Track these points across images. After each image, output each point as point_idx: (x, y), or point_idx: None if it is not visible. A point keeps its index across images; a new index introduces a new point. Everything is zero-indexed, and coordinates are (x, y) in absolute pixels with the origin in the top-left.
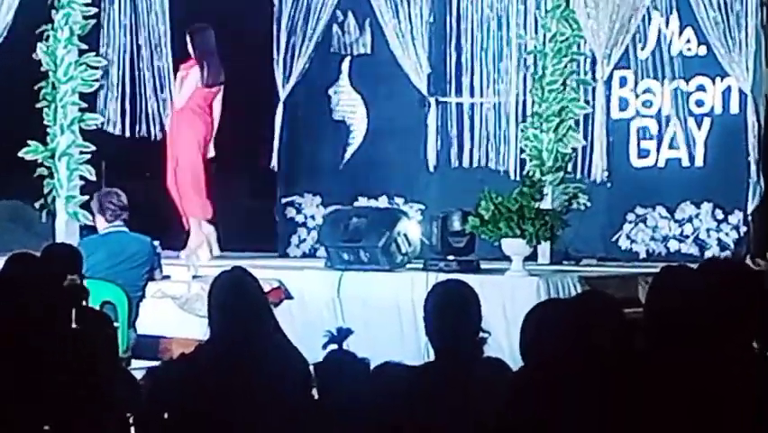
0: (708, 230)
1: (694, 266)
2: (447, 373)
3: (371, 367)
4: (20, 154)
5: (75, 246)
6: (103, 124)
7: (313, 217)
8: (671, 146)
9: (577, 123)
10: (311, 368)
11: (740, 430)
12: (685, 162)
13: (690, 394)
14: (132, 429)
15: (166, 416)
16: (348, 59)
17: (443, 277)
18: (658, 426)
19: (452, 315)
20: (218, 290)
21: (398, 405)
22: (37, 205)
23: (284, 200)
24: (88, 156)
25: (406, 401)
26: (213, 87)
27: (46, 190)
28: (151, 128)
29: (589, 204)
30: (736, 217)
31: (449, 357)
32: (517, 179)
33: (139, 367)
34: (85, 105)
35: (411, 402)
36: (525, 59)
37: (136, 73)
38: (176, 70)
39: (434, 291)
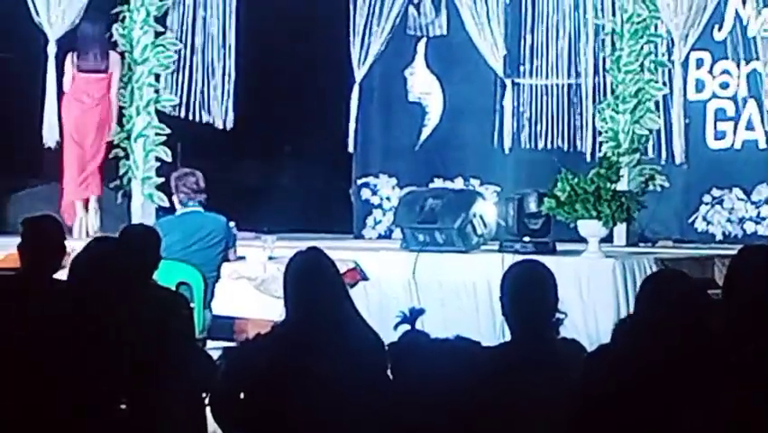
0: None
1: None
2: (523, 354)
3: (444, 344)
4: None
5: (152, 227)
6: (176, 106)
7: (388, 199)
8: (747, 128)
9: (654, 104)
10: (386, 348)
11: None
12: (762, 144)
13: None
14: (208, 409)
15: (242, 396)
16: (424, 40)
17: (518, 258)
18: (741, 410)
19: (529, 295)
20: (294, 271)
21: (474, 386)
22: (112, 186)
23: (360, 182)
24: (164, 137)
25: (482, 382)
26: (91, 74)
27: (122, 171)
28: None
29: (666, 185)
30: None
31: (525, 337)
32: (593, 160)
33: (214, 348)
34: (160, 86)
35: (487, 382)
36: (602, 41)
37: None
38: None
39: (511, 271)
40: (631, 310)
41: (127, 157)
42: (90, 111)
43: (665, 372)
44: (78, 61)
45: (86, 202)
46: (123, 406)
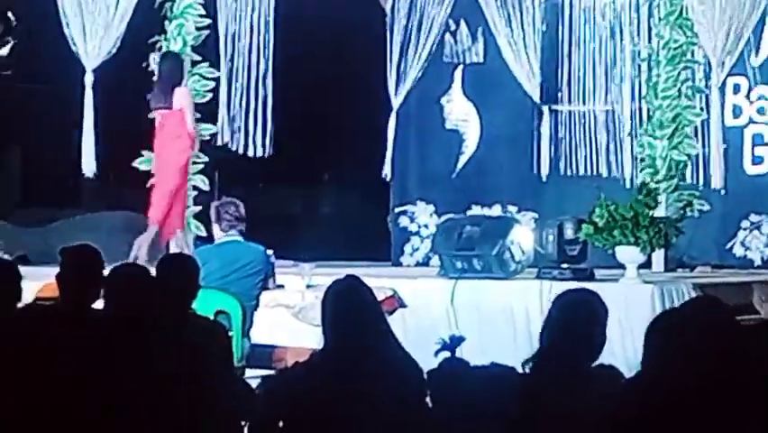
0: None
1: None
2: (559, 379)
3: (483, 371)
4: (134, 164)
5: (191, 256)
6: (214, 134)
7: (426, 226)
8: None
9: (691, 130)
10: (425, 376)
11: None
12: None
13: None
14: None
15: (281, 424)
16: (460, 67)
17: (557, 285)
18: None
19: (582, 324)
20: (332, 299)
21: (511, 412)
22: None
23: (397, 209)
24: (202, 165)
25: (519, 408)
26: (159, 110)
27: None
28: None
29: (704, 209)
30: None
31: (567, 365)
32: (632, 186)
33: (253, 376)
34: (199, 115)
35: (526, 410)
36: (639, 67)
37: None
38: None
39: (560, 299)
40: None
41: None
42: (166, 147)
43: (697, 397)
44: (150, 98)
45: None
46: None
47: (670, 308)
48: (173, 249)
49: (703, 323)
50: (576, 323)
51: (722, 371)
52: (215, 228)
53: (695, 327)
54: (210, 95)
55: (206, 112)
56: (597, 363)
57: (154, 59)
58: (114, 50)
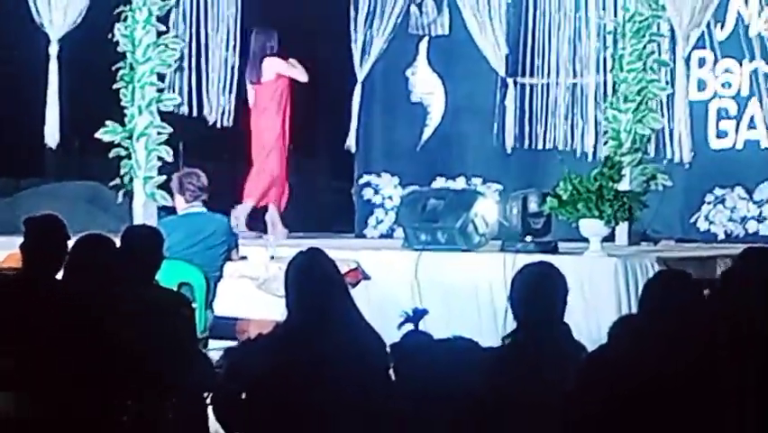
0: None
1: None
2: (526, 354)
3: (446, 344)
4: (97, 135)
5: (156, 227)
6: (179, 105)
7: (390, 198)
8: (749, 127)
9: (656, 103)
10: (388, 348)
11: None
12: (764, 143)
13: None
14: (210, 409)
15: (243, 396)
16: (426, 39)
17: (520, 258)
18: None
19: (539, 298)
20: (295, 271)
21: (475, 386)
22: (112, 184)
23: (361, 181)
24: (166, 137)
25: (484, 382)
26: (252, 84)
27: (123, 171)
28: (220, 115)
29: (668, 184)
30: None
31: (530, 338)
32: (596, 159)
33: (217, 348)
34: (163, 85)
35: (488, 383)
36: (605, 39)
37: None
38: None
39: (523, 273)
40: (633, 310)
41: (129, 157)
42: (259, 120)
43: (673, 382)
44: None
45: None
46: (129, 402)
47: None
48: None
49: (682, 305)
50: (535, 297)
51: (699, 358)
52: (178, 199)
53: (673, 309)
54: (175, 65)
55: (172, 82)
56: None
57: (118, 29)
58: (80, 20)
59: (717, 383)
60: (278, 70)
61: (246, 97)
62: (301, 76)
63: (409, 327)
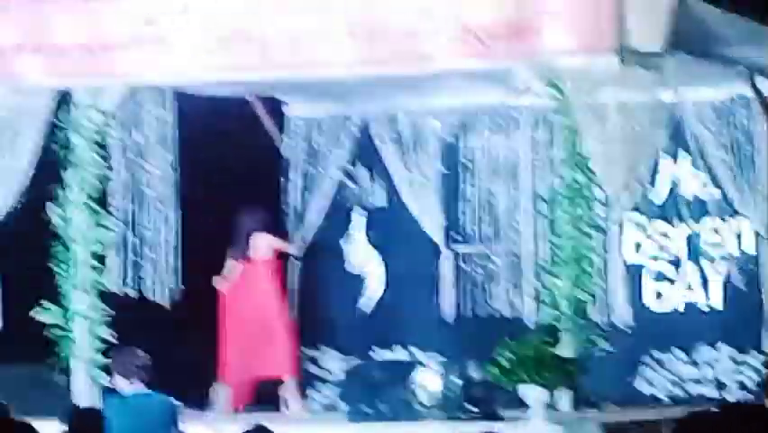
0: (726, 372)
1: (716, 410)
2: None
3: None
4: (32, 314)
5: (98, 410)
6: (119, 285)
7: (330, 371)
8: (686, 288)
9: (593, 268)
10: None
11: None
12: (701, 304)
13: None
14: None
15: None
16: (360, 210)
17: (465, 427)
18: None
19: None
20: None
21: None
22: (50, 363)
23: (301, 354)
24: (108, 318)
25: None
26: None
27: (61, 352)
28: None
29: (608, 348)
30: (754, 358)
31: None
32: (534, 326)
33: None
34: (101, 266)
35: None
36: (538, 207)
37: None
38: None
39: None
40: None
41: (67, 338)
42: (253, 298)
43: None
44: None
45: None
46: None
47: None
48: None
49: None
50: None
51: None
52: (118, 379)
53: None
54: (114, 246)
55: (112, 262)
56: None
57: (50, 208)
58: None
59: None
60: (274, 245)
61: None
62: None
63: None
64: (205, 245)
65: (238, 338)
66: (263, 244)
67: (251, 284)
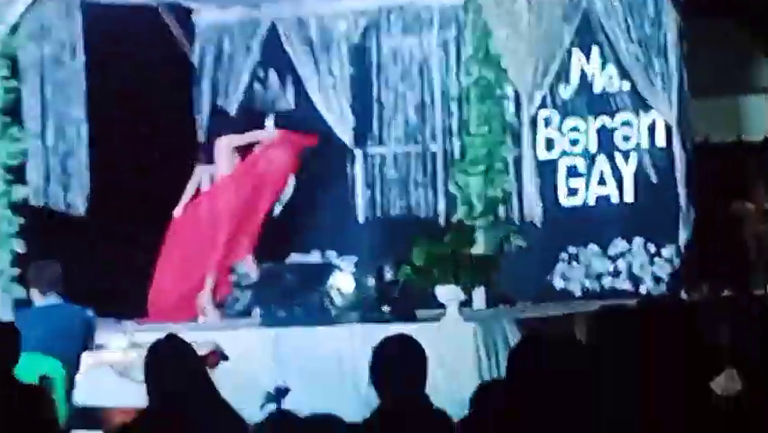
0: (641, 265)
1: (631, 302)
2: (396, 428)
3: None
4: None
5: (11, 322)
6: (29, 196)
7: (246, 276)
8: (599, 183)
9: (505, 165)
10: (251, 429)
11: None
12: (615, 198)
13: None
14: None
15: None
16: (272, 115)
17: (379, 328)
18: None
19: (403, 372)
20: (153, 361)
21: None
22: None
23: None
24: (17, 228)
25: None
26: None
27: None
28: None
29: (522, 245)
30: (668, 251)
31: (394, 412)
32: (447, 225)
33: None
34: (11, 177)
35: None
36: (449, 105)
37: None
38: (92, 143)
39: (382, 347)
40: (494, 374)
41: None
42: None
43: None
44: None
45: None
46: None
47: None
48: None
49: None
50: (396, 371)
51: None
52: (34, 292)
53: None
54: (23, 157)
55: (20, 174)
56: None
57: None
58: None
59: None
60: (235, 143)
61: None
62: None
63: (272, 406)
64: (116, 156)
65: (175, 263)
66: (223, 146)
67: (212, 201)
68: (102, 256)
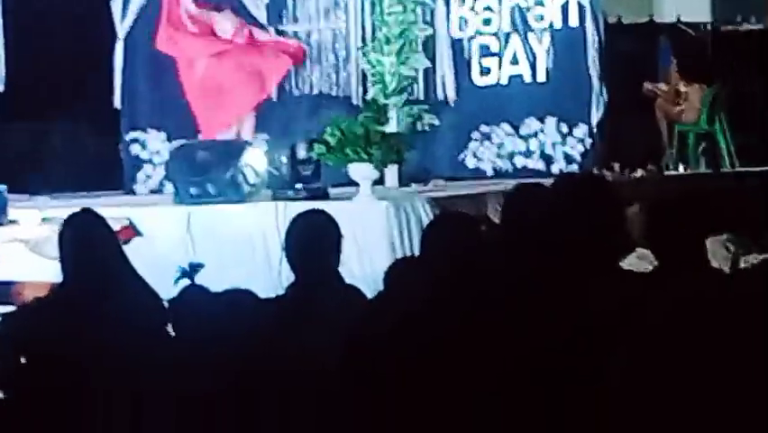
0: (553, 144)
1: (544, 182)
2: (304, 304)
3: (223, 297)
4: None
5: None
6: None
7: (158, 153)
8: (512, 62)
9: (419, 44)
10: (165, 304)
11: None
12: (527, 78)
13: (555, 307)
14: None
15: (24, 360)
16: None
17: (292, 206)
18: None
19: (317, 248)
20: (67, 235)
21: (253, 338)
22: None
23: (128, 137)
24: None
25: (261, 333)
26: None
27: None
28: None
29: (435, 124)
30: (581, 130)
31: (308, 287)
32: (360, 103)
33: None
34: None
35: (266, 334)
36: None
37: None
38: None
39: (295, 223)
40: (407, 252)
41: None
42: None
43: (458, 326)
44: None
45: None
46: None
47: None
48: None
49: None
50: (310, 247)
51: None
52: None
53: (443, 250)
54: None
55: None
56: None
57: None
58: None
59: (504, 324)
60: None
61: None
62: None
63: (186, 282)
64: (31, 32)
65: None
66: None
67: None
68: (15, 132)
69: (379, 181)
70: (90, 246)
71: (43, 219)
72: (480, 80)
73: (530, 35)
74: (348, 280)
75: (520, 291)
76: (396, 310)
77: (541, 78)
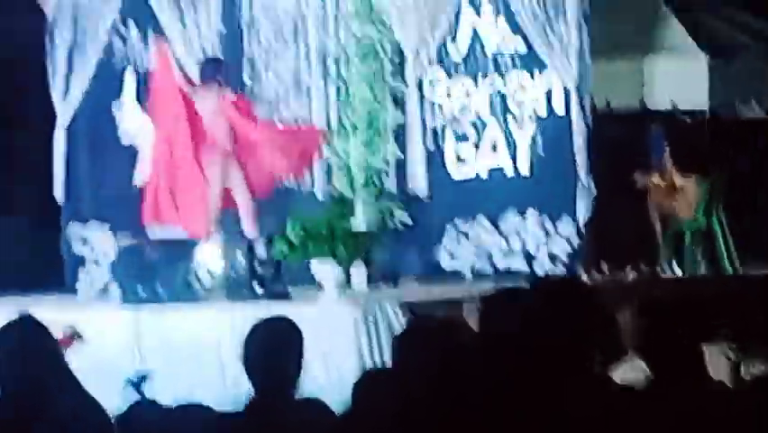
0: (537, 244)
1: (526, 286)
2: (262, 419)
3: (175, 414)
4: None
5: None
6: None
7: (103, 251)
8: (492, 151)
9: (387, 132)
10: (111, 420)
11: None
12: (507, 169)
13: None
14: None
15: None
16: (131, 72)
17: (249, 309)
18: None
19: (278, 360)
20: (4, 343)
21: None
22: None
23: (69, 232)
24: None
25: None
26: None
27: None
28: None
29: (407, 220)
30: (565, 227)
31: (265, 400)
32: (325, 197)
33: None
34: None
35: None
36: (328, 66)
37: None
38: None
39: (256, 333)
40: (375, 359)
41: None
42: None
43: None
44: None
45: None
46: None
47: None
48: None
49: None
50: (271, 359)
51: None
52: None
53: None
54: None
55: None
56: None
57: None
58: None
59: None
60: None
61: None
62: None
63: (133, 393)
64: None
65: None
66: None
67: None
68: None
69: (345, 281)
70: (28, 355)
71: None
72: (455, 172)
73: (510, 122)
74: (312, 389)
75: (495, 402)
76: (364, 430)
77: (522, 168)
